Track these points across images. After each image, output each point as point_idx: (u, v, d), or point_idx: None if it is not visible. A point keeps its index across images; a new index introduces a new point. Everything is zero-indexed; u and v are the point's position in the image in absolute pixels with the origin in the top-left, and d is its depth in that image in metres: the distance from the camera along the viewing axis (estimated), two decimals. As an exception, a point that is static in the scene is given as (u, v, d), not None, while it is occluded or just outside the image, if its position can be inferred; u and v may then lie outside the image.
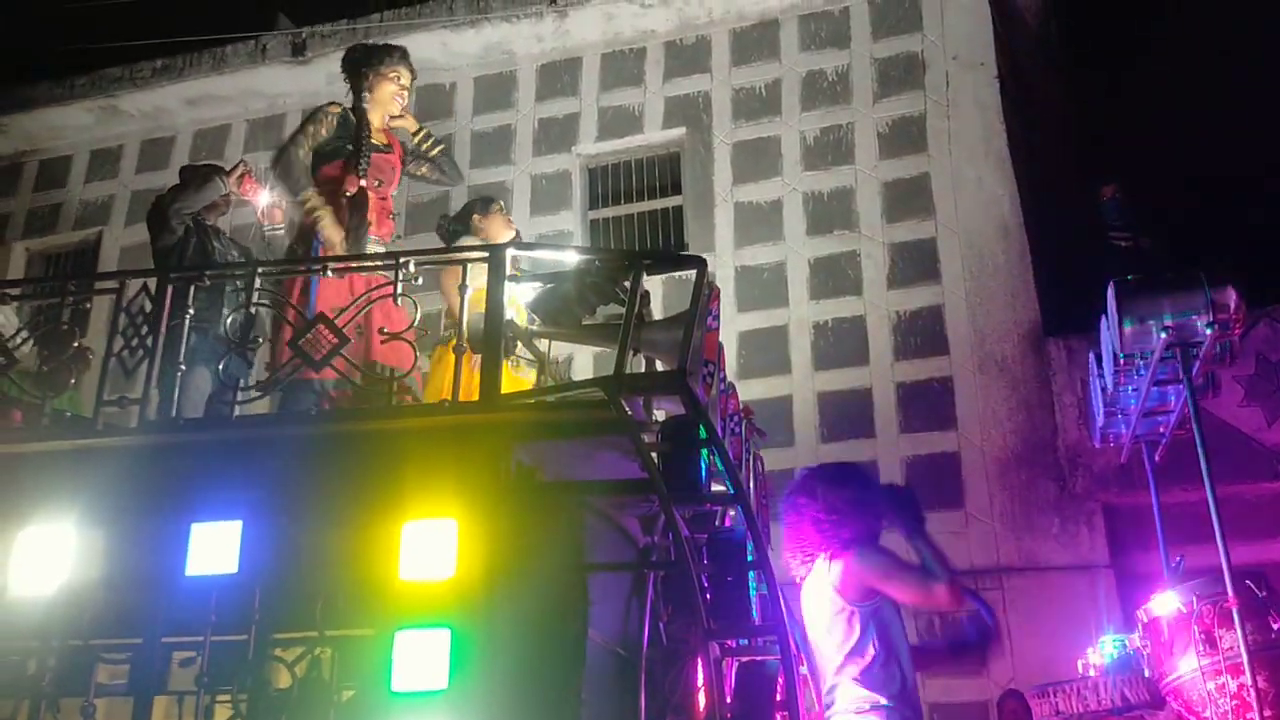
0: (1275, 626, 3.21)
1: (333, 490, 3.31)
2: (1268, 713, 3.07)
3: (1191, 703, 3.26)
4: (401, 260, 3.37)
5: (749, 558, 3.17)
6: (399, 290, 3.30)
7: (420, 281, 3.39)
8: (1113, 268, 7.33)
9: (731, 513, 3.61)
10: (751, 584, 3.20)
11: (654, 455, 3.23)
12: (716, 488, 3.43)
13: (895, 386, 7.18)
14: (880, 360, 7.24)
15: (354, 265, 3.94)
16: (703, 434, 3.29)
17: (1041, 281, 7.16)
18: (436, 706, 2.93)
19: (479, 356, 3.36)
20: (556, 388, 3.69)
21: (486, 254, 3.44)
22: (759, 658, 3.18)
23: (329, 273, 3.60)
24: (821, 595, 4.12)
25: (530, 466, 3.29)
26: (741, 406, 4.39)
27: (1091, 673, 3.73)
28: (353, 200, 4.38)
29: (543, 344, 3.84)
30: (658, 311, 4.76)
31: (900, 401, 7.13)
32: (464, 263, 3.49)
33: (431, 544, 3.14)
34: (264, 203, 4.83)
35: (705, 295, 3.38)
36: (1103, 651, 3.81)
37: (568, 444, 3.37)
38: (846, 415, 7.19)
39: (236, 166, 5.11)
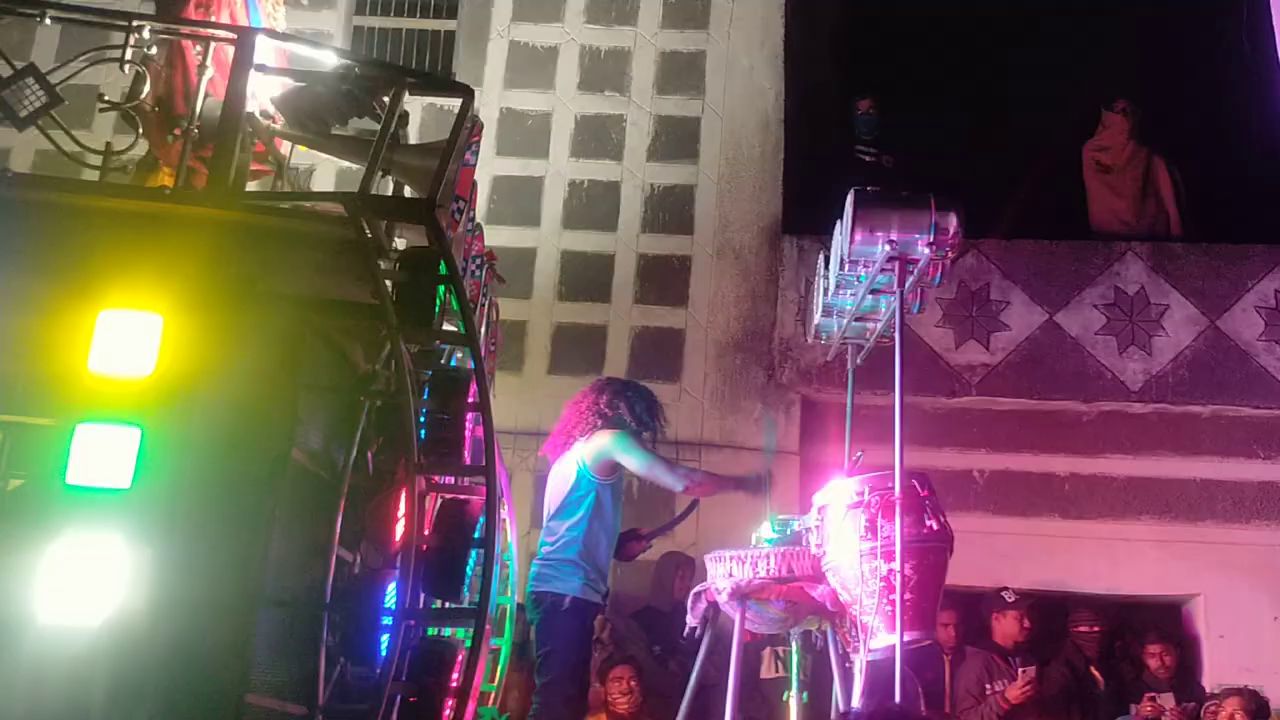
0: (928, 523, 3.59)
1: (20, 266, 3.01)
2: (908, 595, 3.43)
3: (847, 580, 3.61)
4: (135, 23, 3.03)
5: (470, 399, 3.17)
6: (126, 55, 2.97)
7: (154, 52, 3.07)
8: (854, 179, 7.77)
9: (459, 354, 3.58)
10: (468, 426, 3.21)
11: (388, 283, 3.13)
12: (447, 327, 3.39)
13: (638, 258, 7.30)
14: (628, 229, 7.33)
15: (76, 16, 3.48)
16: (443, 269, 3.22)
17: (788, 181, 7.44)
18: (116, 505, 2.78)
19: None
20: (294, 195, 3.49)
21: (234, 35, 3.15)
22: (463, 497, 3.21)
23: (47, 20, 3.18)
24: (567, 465, 4.36)
25: (252, 273, 3.11)
26: (486, 250, 4.34)
27: (765, 545, 4.03)
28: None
29: (284, 148, 3.60)
30: (413, 138, 4.56)
31: (640, 273, 7.27)
32: (208, 40, 3.18)
33: (130, 338, 2.94)
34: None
35: (467, 128, 3.27)
36: (776, 528, 4.12)
37: (297, 256, 3.21)
38: (586, 278, 7.27)
39: None
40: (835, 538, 3.66)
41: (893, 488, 3.58)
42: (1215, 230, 6.92)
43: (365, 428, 3.39)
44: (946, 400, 6.79)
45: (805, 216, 7.31)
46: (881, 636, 3.51)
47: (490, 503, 3.02)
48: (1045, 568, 6.57)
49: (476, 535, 3.08)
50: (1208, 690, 6.30)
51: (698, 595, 4.07)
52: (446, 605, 3.10)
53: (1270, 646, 6.34)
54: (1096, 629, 6.21)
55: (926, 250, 3.62)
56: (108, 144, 3.25)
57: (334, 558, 3.27)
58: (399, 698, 2.97)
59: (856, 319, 4.34)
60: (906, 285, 3.70)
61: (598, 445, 4.55)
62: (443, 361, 3.51)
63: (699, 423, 6.92)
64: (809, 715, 4.55)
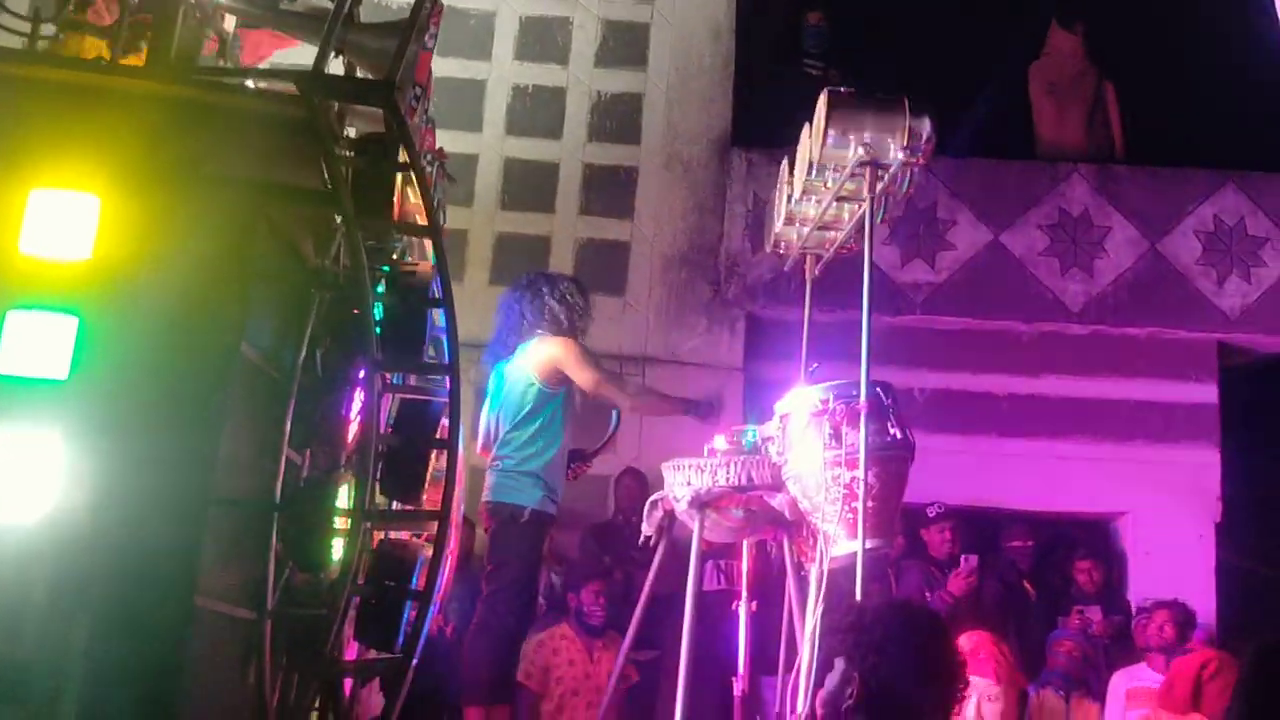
0: (891, 432, 3.56)
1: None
2: (870, 503, 3.41)
3: (808, 488, 3.57)
4: None
5: (431, 294, 3.02)
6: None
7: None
8: (802, 93, 7.66)
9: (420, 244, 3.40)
10: (429, 323, 3.06)
11: (344, 171, 2.95)
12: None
13: (583, 167, 7.13)
14: (573, 137, 7.14)
15: None
16: (402, 158, 3.04)
17: (737, 93, 7.28)
18: (52, 397, 2.60)
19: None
20: (242, 71, 3.26)
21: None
22: (423, 396, 3.08)
23: None
24: (515, 373, 4.24)
25: (197, 154, 2.90)
26: (437, 148, 4.15)
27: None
28: None
29: (228, 24, 3.35)
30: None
31: (585, 183, 7.10)
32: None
33: (64, 219, 2.73)
34: None
35: (427, 7, 3.07)
36: (735, 438, 4.06)
37: (244, 138, 3.00)
38: (530, 186, 7.07)
39: None
40: (797, 446, 3.61)
41: (857, 395, 3.53)
42: (1158, 154, 6.96)
43: (316, 325, 3.22)
44: (890, 319, 6.78)
45: (754, 129, 7.19)
46: (842, 544, 3.49)
47: (455, 401, 2.89)
48: (981, 485, 6.67)
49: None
50: (1133, 605, 6.51)
51: (654, 504, 4.02)
52: (406, 508, 2.98)
53: (1193, 564, 6.55)
54: (1029, 544, 6.35)
55: (900, 155, 3.54)
56: (36, 8, 2.98)
57: (284, 459, 3.13)
58: (358, 601, 2.86)
59: (819, 227, 4.25)
60: (877, 190, 3.61)
61: (545, 354, 4.44)
62: (398, 256, 3.34)
63: (643, 337, 6.83)
64: (758, 624, 4.57)
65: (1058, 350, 6.84)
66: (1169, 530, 6.64)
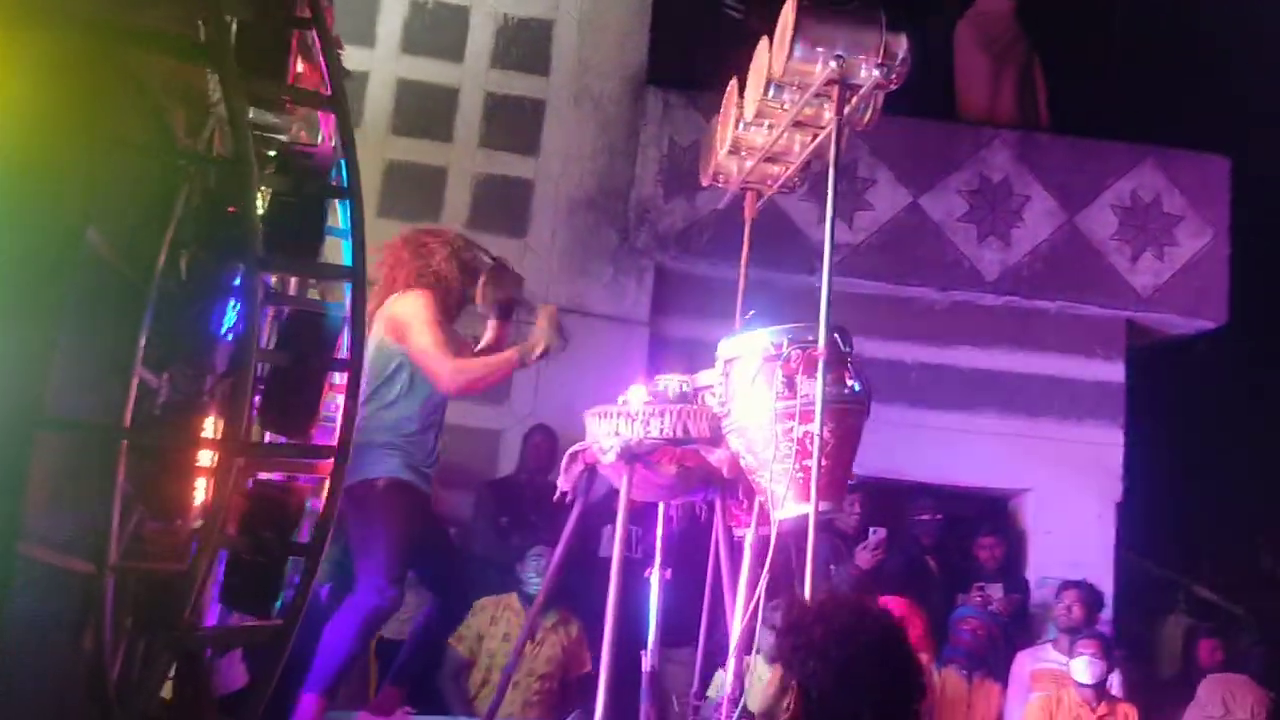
0: (849, 383, 3.18)
1: None
2: (824, 461, 3.03)
3: (754, 443, 3.17)
4: None
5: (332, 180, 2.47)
6: None
7: None
8: (721, 34, 7.28)
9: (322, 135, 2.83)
10: (328, 220, 2.51)
11: (230, 21, 2.37)
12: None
13: (485, 95, 6.55)
14: (476, 61, 6.55)
15: None
16: (303, 18, 2.48)
17: (655, 30, 6.81)
18: None
19: None
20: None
21: None
22: (317, 309, 2.54)
23: None
24: (377, 325, 3.61)
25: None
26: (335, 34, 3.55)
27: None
28: None
29: None
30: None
31: (487, 113, 6.54)
32: None
33: None
34: None
35: None
36: (656, 388, 3.61)
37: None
38: (426, 111, 6.47)
39: None
40: (743, 395, 3.20)
41: (814, 341, 3.13)
42: (1080, 125, 6.80)
43: (184, 217, 2.63)
44: (807, 278, 6.44)
45: (671, 69, 6.74)
46: (790, 506, 3.10)
47: (358, 312, 2.36)
48: (887, 456, 6.37)
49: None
50: (1031, 583, 6.38)
51: (574, 456, 3.55)
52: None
53: (1092, 543, 6.45)
54: (937, 518, 6.14)
55: (875, 73, 3.14)
56: None
57: (136, 377, 2.55)
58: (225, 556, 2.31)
59: (766, 158, 3.83)
60: (845, 113, 3.20)
61: (400, 307, 3.74)
62: (290, 140, 2.76)
63: (545, 284, 6.31)
64: (672, 593, 4.15)
65: (970, 320, 6.64)
66: (1070, 509, 6.52)
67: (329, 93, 2.44)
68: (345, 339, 2.38)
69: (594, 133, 6.57)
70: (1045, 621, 6.27)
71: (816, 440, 3.04)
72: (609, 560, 5.28)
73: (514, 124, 6.55)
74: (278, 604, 2.33)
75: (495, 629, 4.91)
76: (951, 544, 6.41)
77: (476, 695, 4.89)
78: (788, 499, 3.11)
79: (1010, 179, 6.61)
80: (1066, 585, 5.63)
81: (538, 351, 3.80)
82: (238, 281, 2.70)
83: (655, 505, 5.83)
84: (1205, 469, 7.23)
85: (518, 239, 6.42)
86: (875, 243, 6.55)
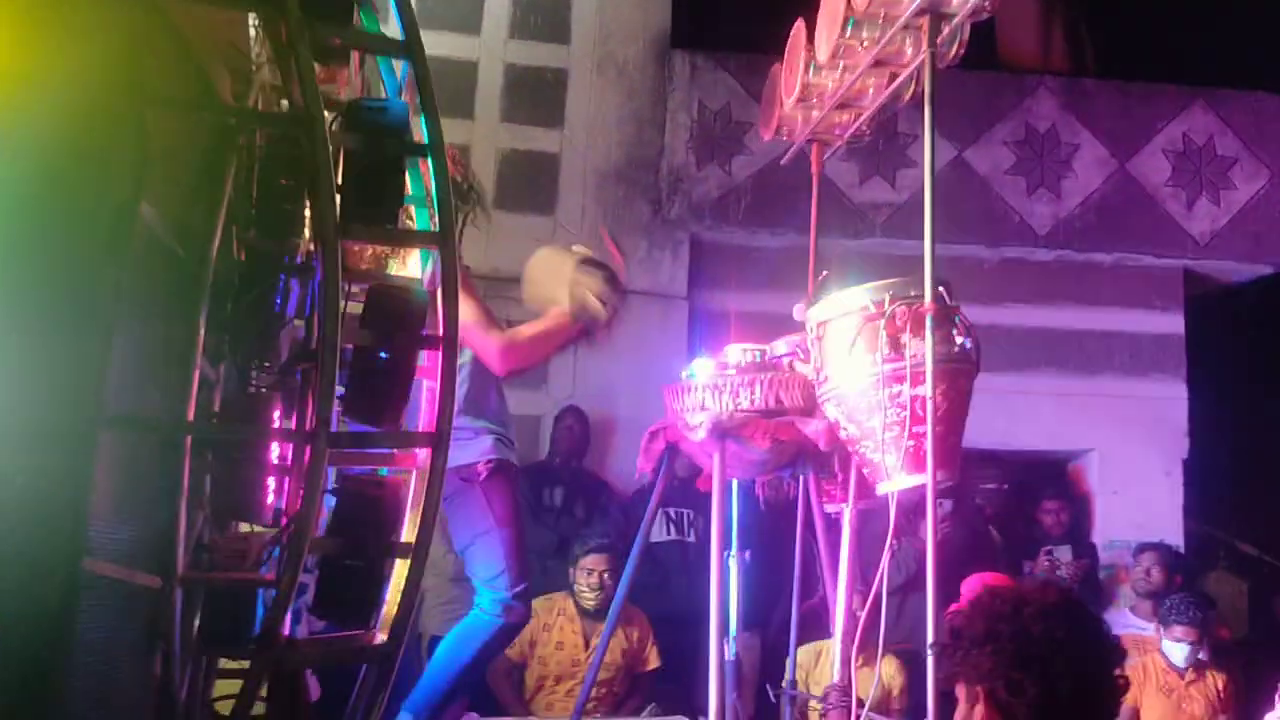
0: (959, 341, 2.92)
1: None
2: (939, 428, 2.77)
3: (855, 410, 2.92)
4: None
5: (411, 139, 2.20)
6: None
7: None
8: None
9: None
10: (409, 174, 2.24)
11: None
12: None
13: (505, 67, 6.27)
14: (494, 33, 6.26)
15: None
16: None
17: (677, -13, 6.53)
18: None
19: None
20: None
21: None
22: (401, 282, 2.28)
23: None
24: None
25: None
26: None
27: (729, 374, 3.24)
28: None
29: None
30: None
31: (508, 86, 6.25)
32: None
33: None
34: None
35: None
36: (734, 361, 3.33)
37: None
38: (445, 88, 6.07)
39: None
40: (841, 359, 2.94)
41: (918, 296, 2.88)
42: (1128, 69, 6.52)
43: (237, 186, 2.38)
44: (848, 242, 6.19)
45: (697, 30, 6.46)
46: (901, 478, 2.85)
47: (449, 281, 2.10)
48: (944, 422, 6.16)
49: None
50: (1098, 547, 6.14)
51: (654, 434, 3.29)
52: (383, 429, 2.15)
53: (1160, 502, 6.21)
54: (1002, 487, 5.90)
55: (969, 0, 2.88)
56: None
57: (197, 369, 2.29)
58: (323, 562, 2.06)
59: (839, 105, 3.56)
60: (940, 41, 2.94)
61: None
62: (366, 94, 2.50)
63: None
64: (754, 576, 3.90)
65: (1022, 277, 6.38)
66: (1134, 468, 6.28)
67: (404, 39, 2.18)
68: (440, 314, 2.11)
69: (620, 101, 6.30)
70: (1115, 585, 6.06)
71: (929, 404, 2.78)
72: (657, 546, 5.05)
73: (536, 96, 6.28)
74: (376, 613, 2.08)
75: (548, 635, 4.62)
76: (1015, 511, 6.19)
77: (531, 699, 4.62)
78: (898, 470, 2.86)
79: (1057, 128, 6.34)
80: (1144, 547, 5.40)
81: (592, 304, 3.23)
82: (298, 260, 2.45)
83: (706, 486, 5.70)
84: (1263, 423, 6.97)
85: (546, 216, 6.16)
86: (920, 200, 6.25)
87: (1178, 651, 4.73)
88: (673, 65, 6.32)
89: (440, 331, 2.10)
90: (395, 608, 2.00)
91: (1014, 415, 6.27)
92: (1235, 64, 6.39)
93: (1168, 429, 6.27)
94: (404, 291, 2.13)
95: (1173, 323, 6.36)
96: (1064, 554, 5.79)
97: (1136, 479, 6.24)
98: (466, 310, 3.08)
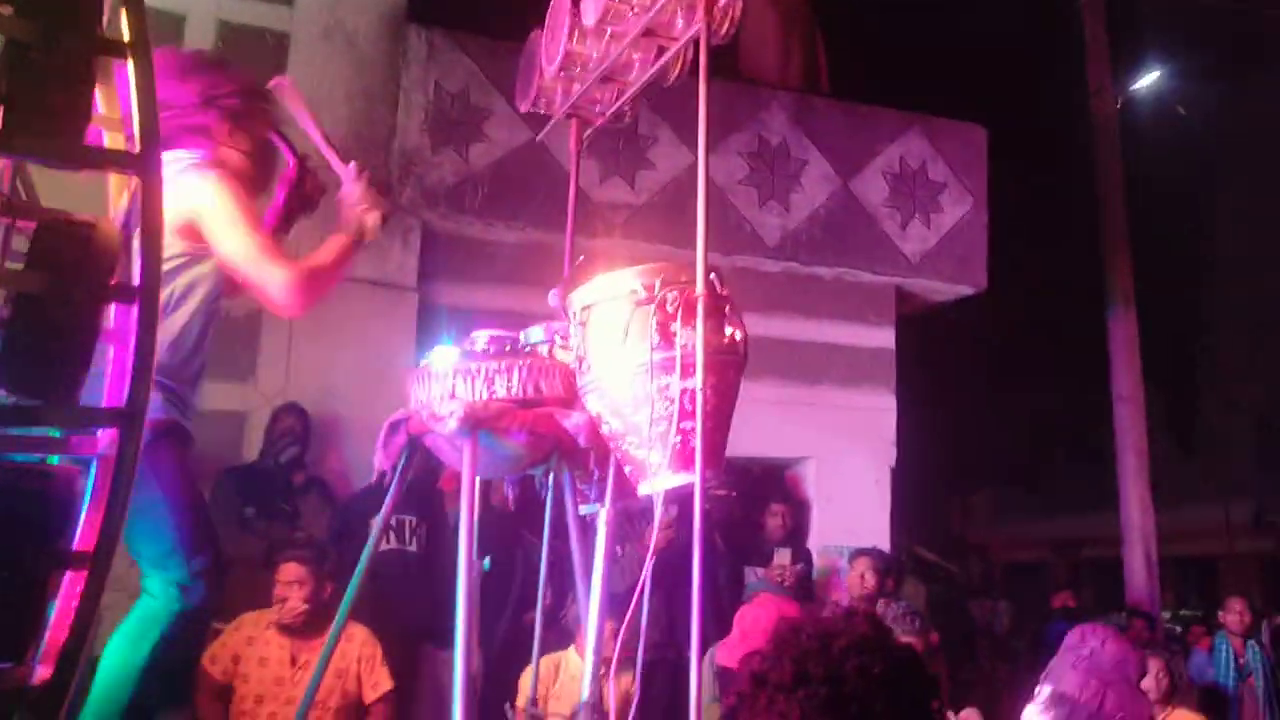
0: (730, 333, 2.78)
1: None
2: (708, 423, 2.61)
3: (620, 404, 2.69)
4: None
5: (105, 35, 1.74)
6: None
7: None
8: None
9: None
10: (94, 91, 1.78)
11: None
12: None
13: (218, 25, 5.70)
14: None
15: None
16: None
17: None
18: None
19: None
20: None
21: None
22: (80, 219, 1.79)
23: None
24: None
25: None
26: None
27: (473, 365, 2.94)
28: None
29: None
30: None
31: (221, 46, 5.61)
32: None
33: None
34: None
35: None
36: (480, 347, 3.04)
37: None
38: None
39: None
40: (606, 347, 2.71)
41: (690, 282, 2.71)
42: (856, 89, 6.79)
43: None
44: (588, 241, 6.01)
45: (435, 6, 6.09)
46: (665, 476, 2.65)
47: (151, 208, 1.67)
48: (673, 428, 6.12)
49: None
50: (813, 552, 6.30)
51: (395, 426, 2.91)
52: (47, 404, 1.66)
53: (870, 509, 6.46)
54: (731, 494, 5.91)
55: (752, -24, 2.75)
56: None
57: None
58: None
59: (603, 78, 3.35)
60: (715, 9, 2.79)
61: (183, 195, 2.62)
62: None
63: (295, 244, 5.49)
64: (491, 585, 3.61)
65: (751, 287, 6.43)
66: (848, 476, 6.51)
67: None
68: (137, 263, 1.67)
69: (348, 74, 5.83)
70: (828, 591, 6.23)
71: (699, 397, 2.61)
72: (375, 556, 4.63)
73: (253, 59, 5.65)
74: (37, 645, 1.59)
75: (252, 650, 4.08)
76: (737, 516, 6.23)
77: (235, 723, 4.07)
78: (664, 468, 2.66)
79: (788, 142, 6.49)
80: (858, 553, 5.55)
81: (374, 221, 3.06)
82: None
83: (434, 488, 5.32)
84: (956, 436, 7.47)
85: (264, 193, 5.56)
86: (658, 203, 6.23)
87: None
88: (408, 40, 5.93)
89: (136, 281, 1.66)
90: (66, 632, 1.54)
91: (742, 421, 6.32)
92: (950, 93, 6.80)
93: (878, 438, 6.55)
94: (87, 227, 1.66)
95: (885, 337, 6.66)
96: (783, 558, 5.88)
97: (849, 486, 6.47)
98: (240, 241, 2.64)
